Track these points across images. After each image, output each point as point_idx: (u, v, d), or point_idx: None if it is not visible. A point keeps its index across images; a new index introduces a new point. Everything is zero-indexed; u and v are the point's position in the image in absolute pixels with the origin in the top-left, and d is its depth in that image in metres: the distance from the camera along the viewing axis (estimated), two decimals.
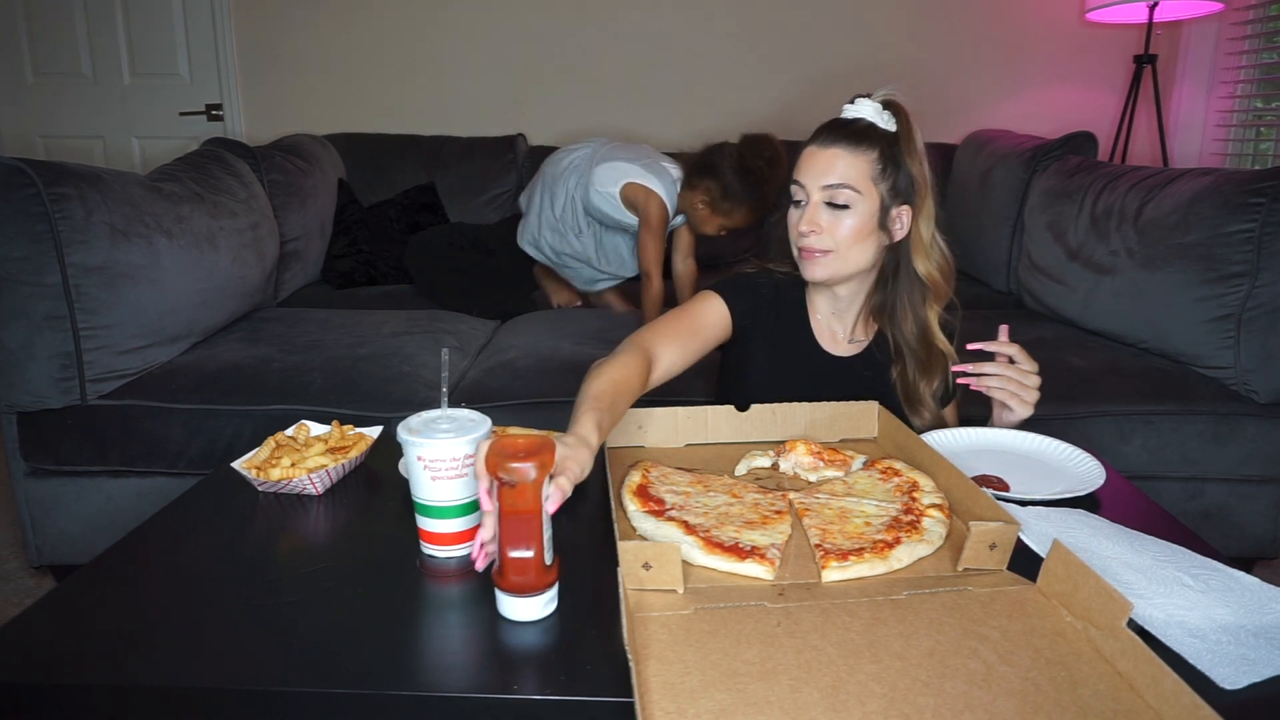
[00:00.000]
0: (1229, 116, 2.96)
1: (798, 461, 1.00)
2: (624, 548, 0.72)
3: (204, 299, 1.92)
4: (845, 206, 1.12)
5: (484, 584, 0.74)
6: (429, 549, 0.82)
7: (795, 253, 1.18)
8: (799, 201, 1.16)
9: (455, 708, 0.63)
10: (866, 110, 1.15)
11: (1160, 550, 0.82)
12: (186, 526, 0.91)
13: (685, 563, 0.77)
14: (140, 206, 1.75)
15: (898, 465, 0.98)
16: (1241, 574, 0.77)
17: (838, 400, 1.12)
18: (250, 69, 3.31)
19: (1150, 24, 2.79)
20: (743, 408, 1.10)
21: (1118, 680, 0.62)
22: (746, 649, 0.65)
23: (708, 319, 1.20)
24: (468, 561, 0.76)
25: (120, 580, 0.80)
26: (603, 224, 2.37)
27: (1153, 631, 0.68)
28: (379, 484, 1.01)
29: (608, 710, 0.61)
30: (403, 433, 0.80)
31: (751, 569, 0.77)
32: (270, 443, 1.02)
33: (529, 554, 0.69)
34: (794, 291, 1.26)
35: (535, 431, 1.03)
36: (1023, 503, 0.93)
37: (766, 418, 1.11)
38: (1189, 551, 0.82)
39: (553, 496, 0.71)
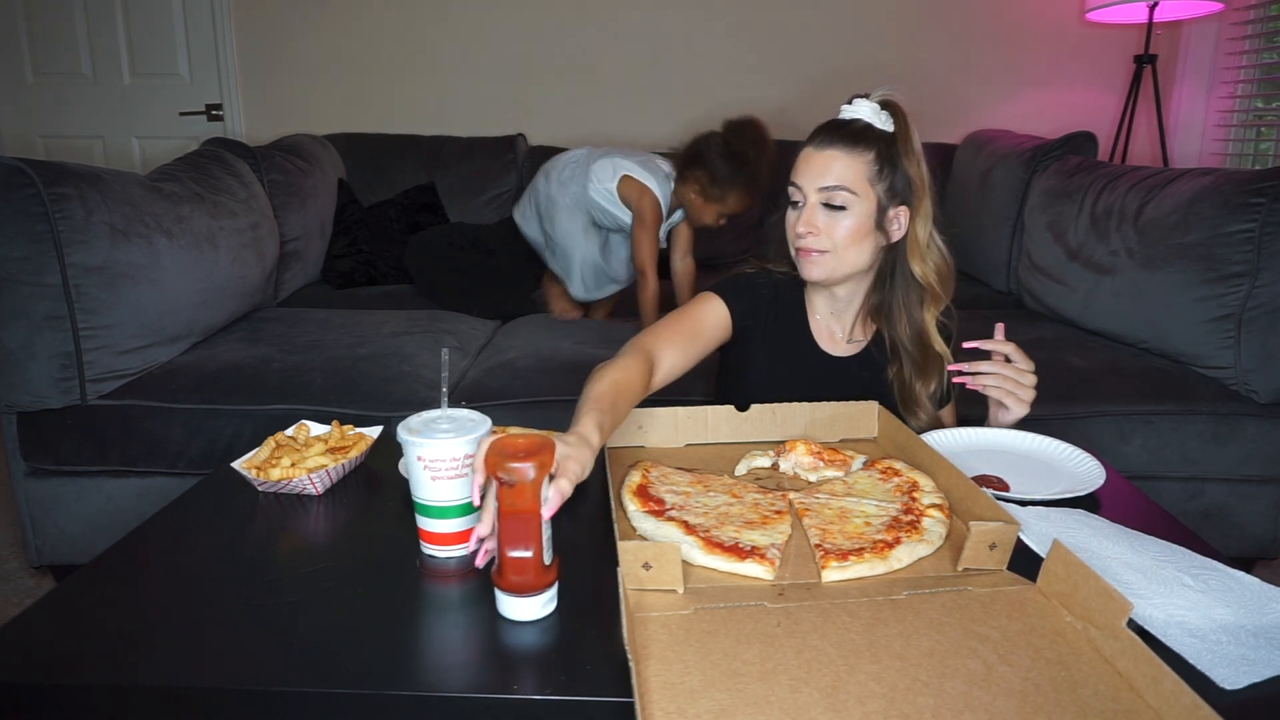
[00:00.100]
0: (1229, 116, 2.96)
1: (798, 461, 1.00)
2: (624, 548, 0.73)
3: (204, 299, 1.92)
4: (842, 208, 1.12)
5: (484, 584, 0.74)
6: (429, 549, 0.82)
7: (793, 253, 1.18)
8: (796, 203, 1.16)
9: (455, 708, 0.63)
10: (864, 111, 1.15)
11: (1160, 550, 0.82)
12: (186, 526, 0.91)
13: (685, 563, 0.77)
14: (140, 206, 1.75)
15: (898, 465, 0.98)
16: (1241, 574, 0.77)
17: (836, 400, 1.12)
18: (250, 69, 3.31)
19: (1150, 24, 2.79)
20: (743, 408, 1.10)
21: (1118, 680, 0.62)
22: (746, 649, 0.65)
23: (708, 320, 1.20)
24: (468, 561, 0.77)
25: (120, 580, 0.80)
26: (601, 225, 2.37)
27: (1153, 631, 0.68)
28: (379, 484, 1.02)
29: (608, 710, 0.61)
30: (403, 433, 0.80)
31: (751, 569, 0.77)
32: (270, 443, 1.02)
33: (528, 554, 0.69)
34: (793, 292, 1.26)
35: (535, 431, 1.03)
36: (1023, 503, 0.93)
37: (766, 418, 1.11)
38: (1189, 551, 0.82)
39: (552, 499, 0.71)
